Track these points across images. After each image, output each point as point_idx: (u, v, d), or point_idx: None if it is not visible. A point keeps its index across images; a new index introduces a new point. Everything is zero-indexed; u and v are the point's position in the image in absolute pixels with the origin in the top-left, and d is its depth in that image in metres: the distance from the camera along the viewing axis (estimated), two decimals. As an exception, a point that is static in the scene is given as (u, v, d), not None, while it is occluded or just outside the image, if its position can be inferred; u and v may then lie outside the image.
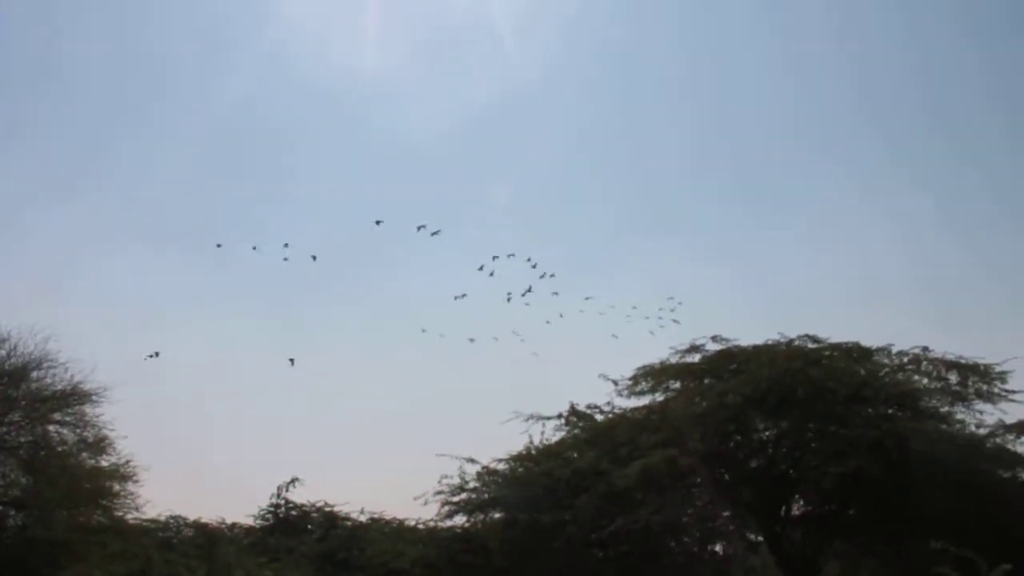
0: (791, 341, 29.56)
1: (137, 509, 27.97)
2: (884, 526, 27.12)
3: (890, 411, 28.06)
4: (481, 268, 30.90)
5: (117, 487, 27.11)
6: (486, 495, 29.88)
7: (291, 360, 32.30)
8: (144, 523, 30.09)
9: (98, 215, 75.65)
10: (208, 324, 68.43)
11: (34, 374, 26.60)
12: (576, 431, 31.19)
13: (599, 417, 31.16)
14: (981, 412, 28.16)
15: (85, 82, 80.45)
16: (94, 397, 26.85)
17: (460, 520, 30.53)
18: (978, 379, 28.12)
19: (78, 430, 26.81)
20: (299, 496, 36.66)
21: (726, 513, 29.41)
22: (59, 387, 26.72)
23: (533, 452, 30.68)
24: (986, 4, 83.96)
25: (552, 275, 31.74)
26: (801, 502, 29.49)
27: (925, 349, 28.99)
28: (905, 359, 29.20)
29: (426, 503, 30.38)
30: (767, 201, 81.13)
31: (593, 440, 29.92)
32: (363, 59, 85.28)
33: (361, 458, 57.72)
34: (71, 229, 73.42)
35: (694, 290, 71.06)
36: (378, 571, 30.70)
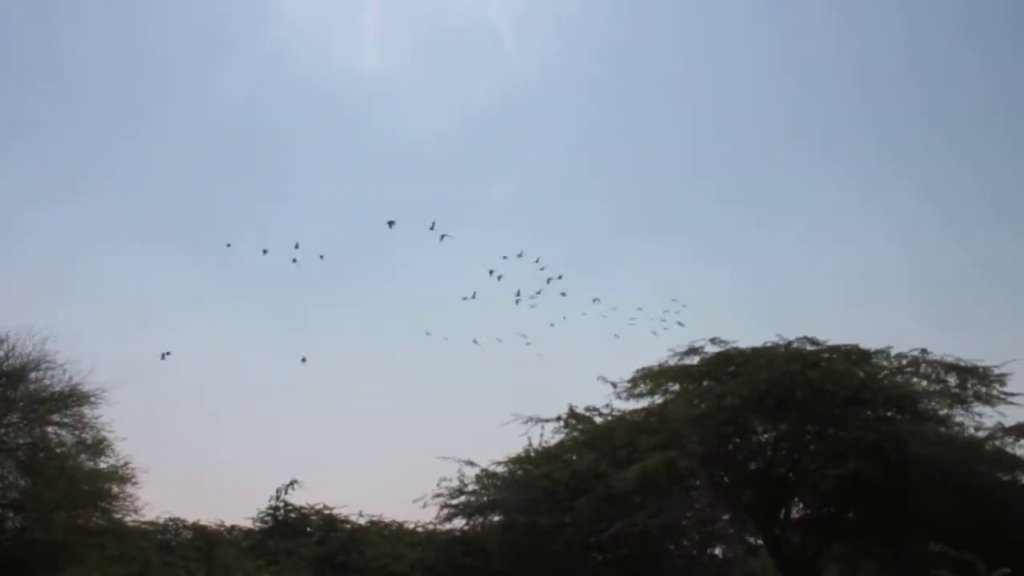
0: (790, 343, 29.54)
1: (136, 511, 28.05)
2: (883, 529, 27.07)
3: (889, 413, 28.02)
4: (491, 272, 31.02)
5: (116, 489, 27.13)
6: (485, 498, 29.88)
7: (303, 359, 32.52)
8: (143, 525, 30.14)
9: (98, 215, 75.88)
10: (208, 324, 68.58)
11: (32, 375, 26.65)
12: (575, 433, 31.15)
13: (598, 419, 31.12)
14: (980, 415, 28.08)
15: (85, 82, 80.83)
16: (92, 399, 26.92)
17: (459, 523, 30.62)
18: (977, 382, 28.05)
19: (77, 432, 26.87)
20: (298, 498, 36.72)
21: (725, 516, 29.37)
22: (57, 388, 26.78)
23: (532, 455, 30.67)
24: (986, 4, 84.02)
25: (560, 277, 31.89)
26: (800, 505, 29.42)
27: (924, 351, 28.94)
28: (904, 361, 29.13)
29: (425, 506, 30.43)
30: (767, 201, 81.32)
31: (592, 442, 29.87)
32: (363, 59, 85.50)
33: (361, 459, 57.79)
34: (71, 229, 73.70)
35: (694, 290, 71.20)
36: (377, 574, 30.74)
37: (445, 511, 30.16)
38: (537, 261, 31.70)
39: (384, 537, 33.49)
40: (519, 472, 30.23)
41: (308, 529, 36.05)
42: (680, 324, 32.85)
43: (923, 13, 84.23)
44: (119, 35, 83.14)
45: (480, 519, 30.31)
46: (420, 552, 30.90)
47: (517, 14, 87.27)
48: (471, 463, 30.30)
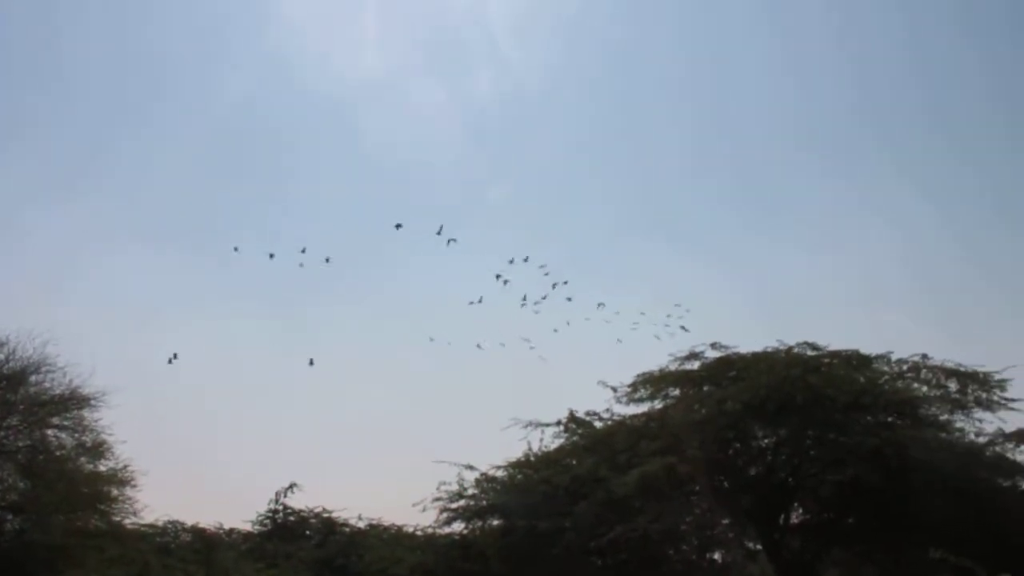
0: (790, 348, 29.52)
1: (135, 514, 28.05)
2: (883, 534, 27.05)
3: (889, 419, 28.00)
4: (499, 277, 31.10)
5: (115, 492, 27.14)
6: (484, 502, 29.83)
7: (311, 361, 32.54)
8: (142, 528, 30.13)
9: (98, 215, 76.21)
10: (208, 324, 68.85)
11: (33, 378, 26.68)
12: (575, 438, 31.11)
13: (598, 424, 31.10)
14: (980, 420, 28.11)
15: (85, 82, 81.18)
16: (92, 401, 26.94)
17: (458, 527, 30.51)
18: (977, 387, 28.03)
19: (76, 434, 26.88)
20: (298, 501, 36.70)
21: (725, 521, 29.34)
22: (57, 391, 26.80)
23: (532, 459, 30.62)
24: (986, 5, 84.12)
25: (566, 283, 31.99)
26: (800, 510, 29.41)
27: (924, 356, 28.91)
28: (904, 367, 29.11)
29: (424, 509, 30.34)
30: (766, 203, 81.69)
31: (592, 447, 29.84)
32: (363, 60, 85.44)
33: (362, 462, 57.88)
34: (71, 229, 73.85)
35: (694, 293, 71.28)
36: (376, 577, 30.73)
37: (444, 515, 30.12)
38: (542, 267, 31.75)
39: (383, 541, 33.51)
40: (519, 476, 30.20)
41: (307, 532, 36.06)
42: (684, 329, 32.80)
43: (923, 14, 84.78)
44: (119, 35, 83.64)
45: (479, 523, 30.24)
46: (419, 556, 30.89)
47: (516, 15, 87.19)
48: (471, 467, 30.30)
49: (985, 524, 25.09)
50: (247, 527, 36.35)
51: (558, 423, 31.19)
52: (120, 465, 27.27)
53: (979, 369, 28.22)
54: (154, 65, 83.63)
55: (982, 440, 28.11)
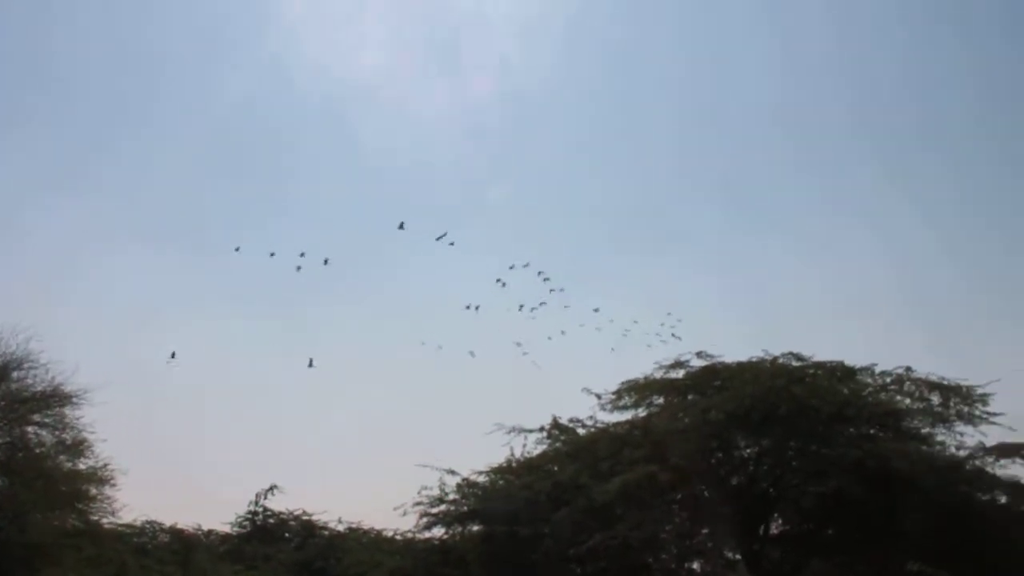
0: (775, 359, 29.57)
1: (113, 513, 27.82)
2: (863, 546, 27.08)
3: (872, 431, 28.10)
4: (499, 281, 31.29)
5: (94, 491, 26.88)
6: (465, 507, 29.79)
7: (310, 362, 32.53)
8: (120, 528, 29.91)
9: (98, 214, 75.53)
10: (206, 324, 68.20)
11: (14, 374, 26.40)
12: (558, 444, 31.12)
13: (581, 431, 31.08)
14: (962, 434, 28.22)
15: (85, 81, 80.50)
16: (75, 399, 26.67)
17: (438, 532, 30.44)
18: (960, 400, 28.14)
19: (57, 432, 26.61)
20: (278, 504, 36.54)
21: (705, 530, 29.36)
22: (39, 388, 26.54)
23: (514, 465, 30.59)
24: (978, 17, 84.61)
25: (562, 289, 32.18)
26: (780, 520, 29.43)
27: (908, 369, 29.02)
28: (888, 379, 29.22)
29: (405, 514, 30.29)
30: (757, 212, 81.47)
31: (575, 454, 29.81)
32: (362, 60, 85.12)
33: (348, 465, 57.69)
34: (71, 228, 73.25)
35: (685, 302, 71.09)
36: (354, 581, 30.61)
37: (424, 519, 30.04)
38: (540, 273, 31.99)
39: (362, 544, 33.42)
40: (500, 482, 30.17)
41: (286, 535, 35.89)
42: (676, 337, 32.98)
43: (916, 26, 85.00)
44: (119, 35, 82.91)
45: (460, 528, 30.19)
46: (398, 560, 30.81)
47: (516, 17, 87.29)
48: (452, 472, 30.21)
49: (964, 538, 25.20)
50: (226, 528, 36.18)
51: (541, 429, 31.23)
52: (100, 464, 27.04)
53: (962, 383, 28.36)
54: (154, 65, 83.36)
55: (963, 453, 28.28)
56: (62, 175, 76.79)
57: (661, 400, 30.54)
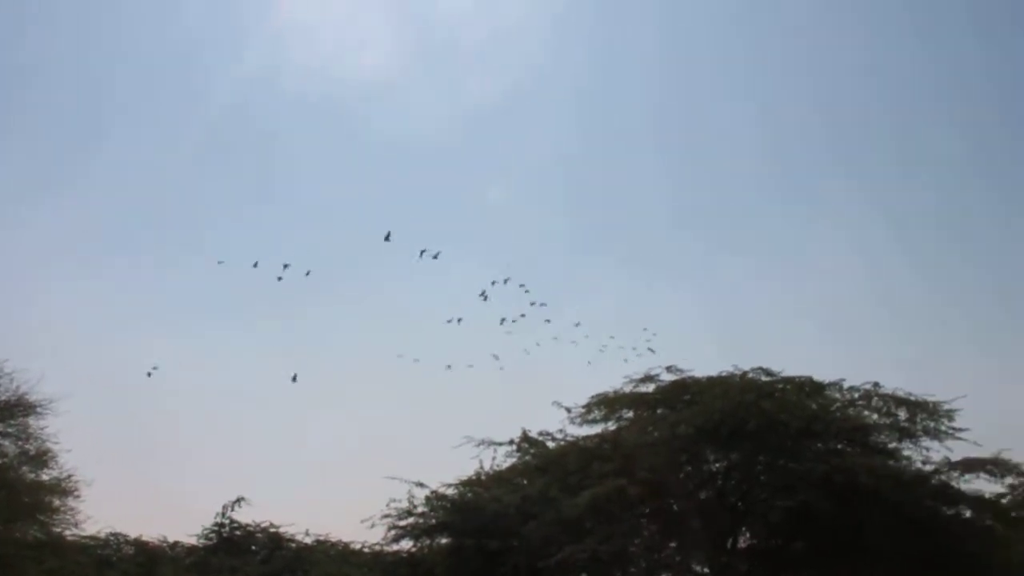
0: (745, 373, 29.79)
1: (76, 525, 27.33)
2: (831, 560, 27.21)
3: (840, 446, 28.39)
4: (482, 295, 31.44)
5: (57, 502, 26.44)
6: (434, 520, 29.62)
7: (294, 377, 32.36)
8: (83, 540, 29.45)
9: (77, 219, 74.05)
10: (181, 336, 67.22)
11: (-24, 384, 26.00)
12: (527, 458, 31.13)
13: (551, 444, 31.10)
14: (928, 449, 28.63)
15: (76, 79, 79.39)
16: (39, 409, 26.25)
17: (407, 544, 30.27)
18: (926, 416, 28.53)
19: (20, 442, 26.16)
20: (245, 516, 36.16)
21: (674, 544, 29.42)
22: (3, 397, 26.10)
23: (483, 477, 30.54)
24: (952, 32, 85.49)
25: (544, 304, 32.36)
26: (748, 534, 29.54)
27: (876, 385, 29.35)
28: (856, 394, 29.54)
29: (373, 526, 30.08)
30: (731, 228, 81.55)
31: (544, 467, 29.84)
32: (362, 60, 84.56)
33: (319, 478, 56.99)
34: (49, 235, 72.02)
35: (661, 317, 70.89)
36: (322, 594, 30.38)
37: (393, 532, 29.86)
38: (522, 286, 32.18)
39: (330, 557, 33.07)
40: (469, 495, 30.08)
41: (253, 547, 35.48)
42: (652, 351, 33.16)
43: (888, 42, 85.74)
44: (101, 30, 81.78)
45: (428, 541, 30.03)
46: (366, 573, 30.61)
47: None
48: (421, 484, 30.07)
49: (930, 552, 25.44)
50: (192, 541, 35.74)
51: (511, 442, 31.21)
52: (64, 475, 26.63)
53: (928, 398, 28.77)
54: (141, 66, 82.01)
55: (929, 468, 28.61)
56: (44, 178, 75.65)
57: (631, 414, 30.66)
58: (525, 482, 29.79)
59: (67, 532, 27.26)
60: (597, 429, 30.82)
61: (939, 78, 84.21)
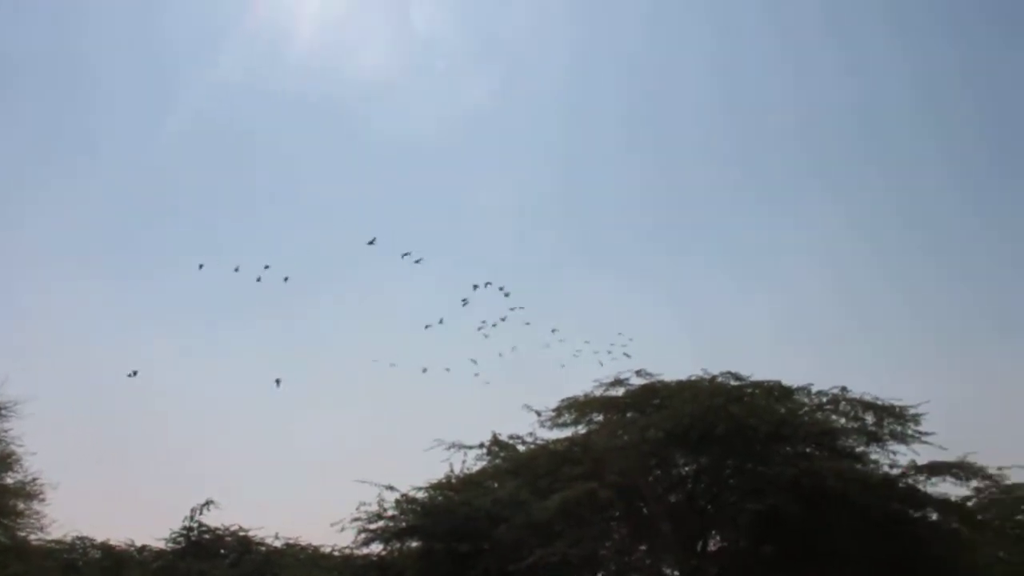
0: (714, 378, 29.93)
1: (41, 529, 27.02)
2: (799, 563, 27.33)
3: (808, 450, 28.53)
4: (463, 301, 31.58)
5: (21, 505, 26.15)
6: (404, 523, 29.52)
7: (277, 381, 32.19)
8: (48, 544, 29.16)
9: (57, 225, 73.54)
10: (161, 340, 66.77)
11: (-62, 387, 25.65)
12: (498, 461, 31.13)
13: (521, 448, 31.14)
14: (895, 452, 28.86)
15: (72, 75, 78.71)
16: (3, 411, 25.97)
17: (377, 548, 30.14)
18: (893, 420, 28.78)
19: (-18, 445, 25.90)
20: (214, 519, 35.90)
21: (644, 547, 29.50)
22: (-35, 400, 25.81)
23: (453, 481, 30.50)
24: (925, 41, 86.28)
25: (523, 307, 32.43)
26: (718, 537, 29.67)
27: (844, 389, 29.55)
28: (824, 399, 29.74)
29: (343, 529, 29.91)
30: (701, 236, 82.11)
31: (514, 470, 29.85)
32: (361, 60, 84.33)
33: (289, 481, 56.82)
34: (32, 237, 71.38)
35: (634, 322, 71.30)
36: (291, 598, 30.23)
37: (363, 535, 29.72)
38: (502, 289, 32.27)
39: (300, 560, 32.90)
40: (439, 498, 29.99)
41: (222, 551, 35.23)
42: (627, 356, 33.28)
43: (861, 51, 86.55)
44: (101, 26, 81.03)
45: (398, 544, 29.91)
46: (336, 576, 30.48)
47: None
48: (391, 488, 29.98)
49: (897, 554, 25.66)
50: (160, 544, 35.44)
51: (481, 445, 31.20)
52: (28, 478, 26.35)
53: (895, 403, 29.00)
54: (141, 66, 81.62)
55: (896, 472, 28.81)
56: (32, 177, 74.96)
57: (601, 417, 30.74)
58: (496, 485, 29.77)
59: (32, 536, 26.98)
60: (567, 432, 30.94)
61: (914, 83, 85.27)
